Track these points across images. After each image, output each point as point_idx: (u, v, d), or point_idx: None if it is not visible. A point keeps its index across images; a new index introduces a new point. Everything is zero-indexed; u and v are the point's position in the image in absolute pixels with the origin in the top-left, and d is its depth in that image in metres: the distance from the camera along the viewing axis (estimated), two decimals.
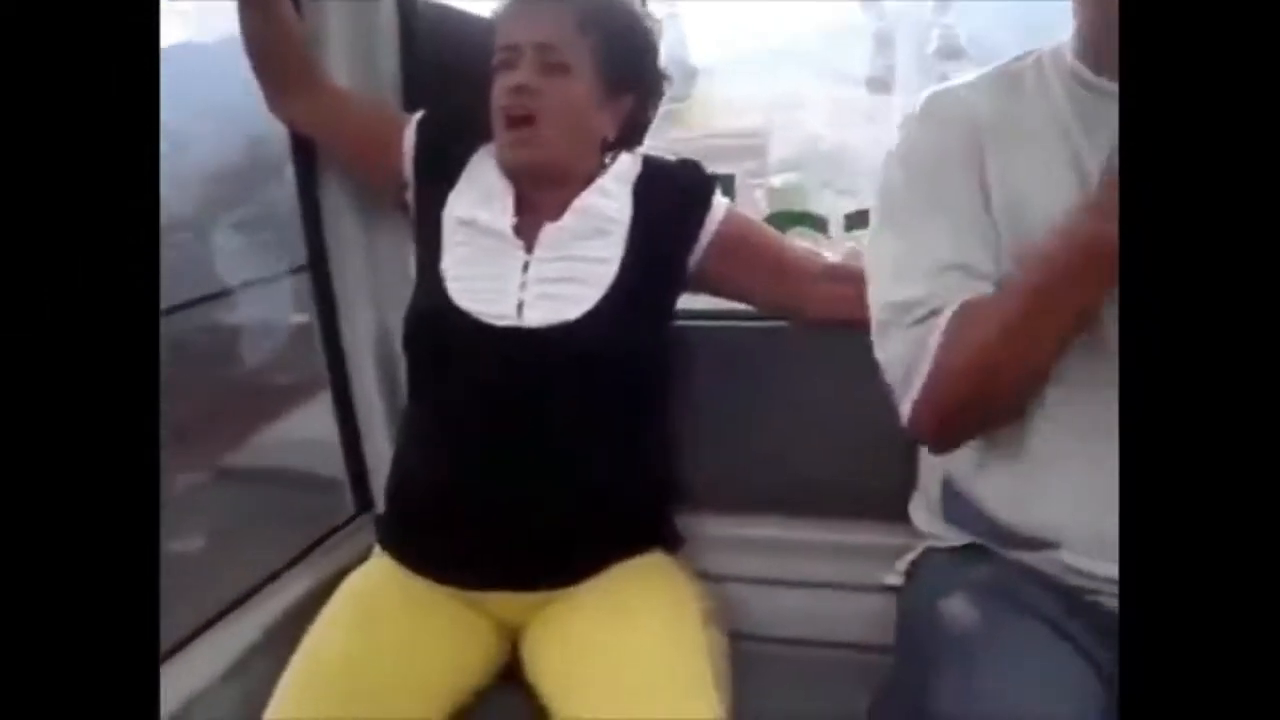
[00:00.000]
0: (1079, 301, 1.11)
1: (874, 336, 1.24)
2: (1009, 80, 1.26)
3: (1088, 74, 1.19)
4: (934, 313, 1.16)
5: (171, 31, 1.66)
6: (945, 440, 1.27)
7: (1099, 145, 1.14)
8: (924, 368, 1.17)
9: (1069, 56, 1.22)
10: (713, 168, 1.64)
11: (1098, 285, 1.08)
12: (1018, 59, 1.28)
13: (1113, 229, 0.95)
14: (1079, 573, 1.19)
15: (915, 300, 1.18)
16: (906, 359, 1.18)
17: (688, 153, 1.72)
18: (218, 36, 1.66)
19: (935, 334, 1.16)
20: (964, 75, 1.31)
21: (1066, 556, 1.19)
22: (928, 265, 1.19)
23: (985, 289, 1.17)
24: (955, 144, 1.22)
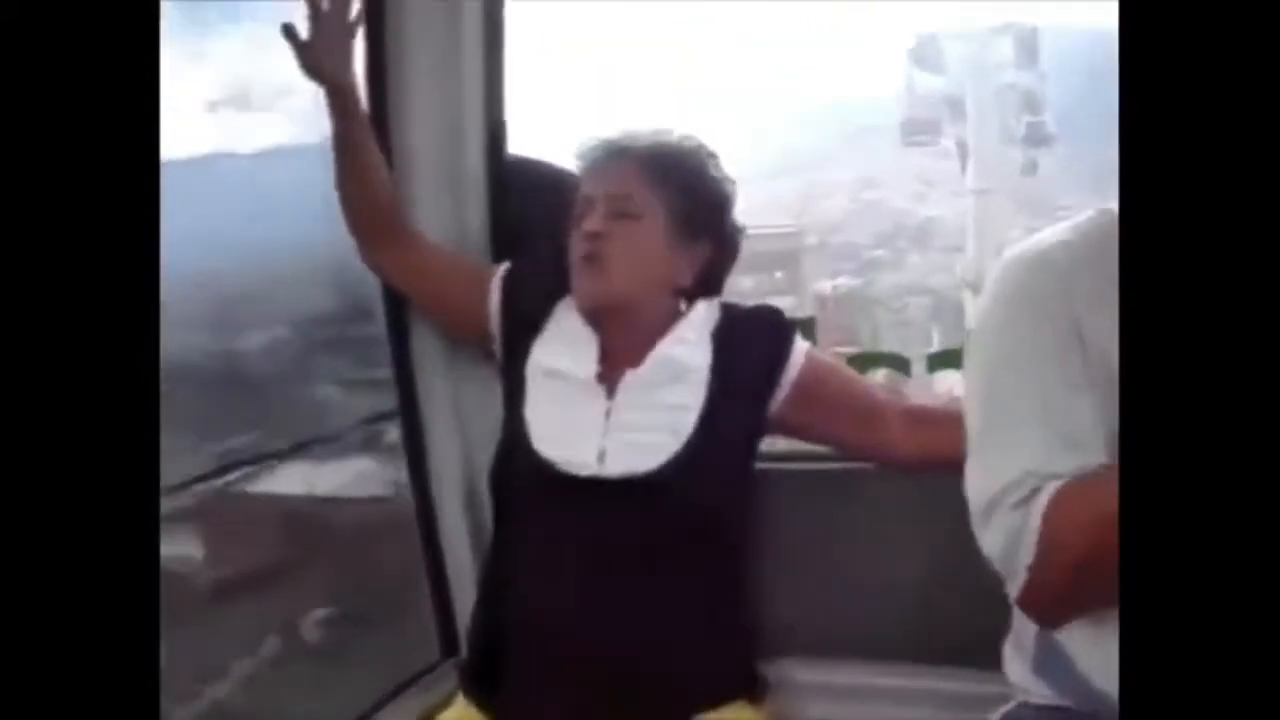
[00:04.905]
0: None
1: (976, 521, 1.17)
2: (1102, 244, 1.16)
3: None
4: (1035, 491, 1.11)
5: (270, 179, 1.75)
6: (1057, 620, 1.21)
7: None
8: (1026, 551, 1.11)
9: None
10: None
11: None
12: (1104, 213, 1.22)
13: None
14: None
15: (1014, 482, 1.12)
16: (1011, 541, 1.12)
17: None
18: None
19: (1037, 515, 1.10)
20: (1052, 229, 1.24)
21: None
22: (1030, 447, 1.13)
23: (1092, 459, 1.11)
24: (1053, 322, 1.16)
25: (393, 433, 1.94)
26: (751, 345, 1.60)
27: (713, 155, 1.65)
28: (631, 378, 1.56)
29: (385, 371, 1.90)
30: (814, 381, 1.60)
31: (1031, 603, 1.16)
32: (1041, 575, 1.11)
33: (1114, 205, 1.22)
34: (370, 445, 2.00)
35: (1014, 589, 1.15)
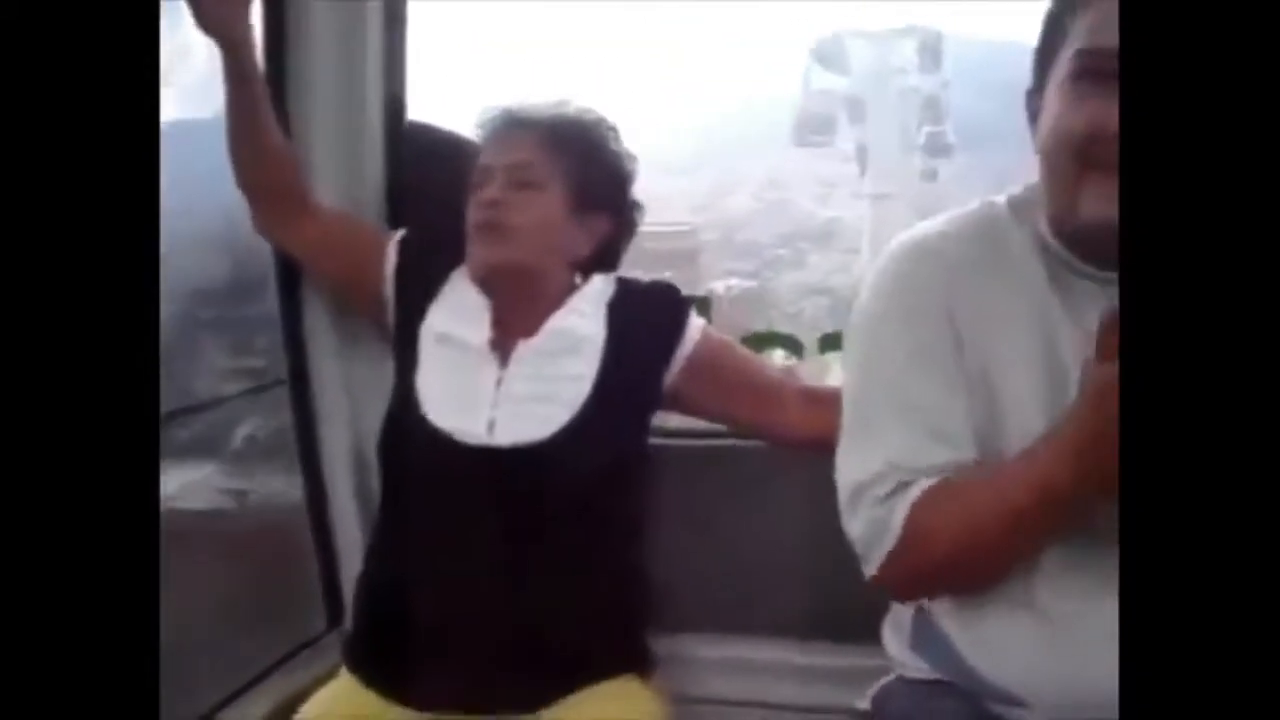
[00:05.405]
0: (1052, 521, 1.09)
1: (843, 507, 1.21)
2: (985, 238, 1.22)
3: (1064, 253, 1.17)
4: (901, 485, 1.14)
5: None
6: (909, 598, 1.29)
7: (1078, 326, 1.13)
8: (887, 544, 1.14)
9: (1044, 230, 1.19)
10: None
11: (1067, 513, 1.07)
12: (990, 205, 1.25)
13: (1075, 470, 1.00)
14: None
15: (879, 475, 1.15)
16: (873, 532, 1.16)
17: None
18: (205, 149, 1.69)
19: (900, 512, 1.13)
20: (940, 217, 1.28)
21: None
22: (895, 441, 1.16)
23: (960, 454, 1.15)
24: (928, 314, 1.19)
25: (239, 435, 1.93)
26: (647, 319, 1.60)
27: (613, 129, 1.65)
28: (525, 348, 1.55)
29: (264, 359, 1.89)
30: (709, 357, 1.60)
31: (884, 581, 1.19)
32: (899, 563, 1.15)
33: (999, 197, 1.26)
34: (215, 448, 1.97)
35: (869, 570, 1.19)
